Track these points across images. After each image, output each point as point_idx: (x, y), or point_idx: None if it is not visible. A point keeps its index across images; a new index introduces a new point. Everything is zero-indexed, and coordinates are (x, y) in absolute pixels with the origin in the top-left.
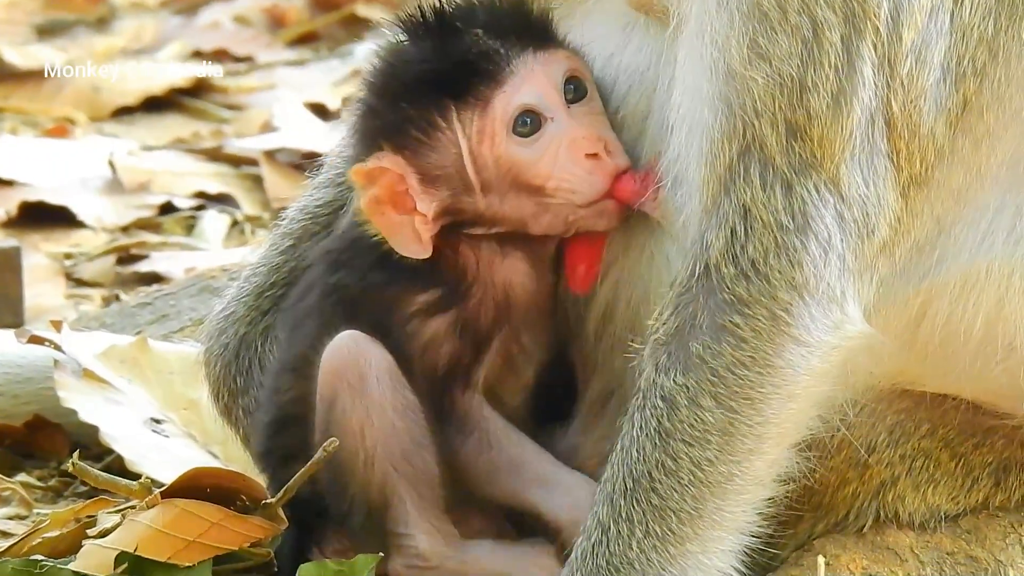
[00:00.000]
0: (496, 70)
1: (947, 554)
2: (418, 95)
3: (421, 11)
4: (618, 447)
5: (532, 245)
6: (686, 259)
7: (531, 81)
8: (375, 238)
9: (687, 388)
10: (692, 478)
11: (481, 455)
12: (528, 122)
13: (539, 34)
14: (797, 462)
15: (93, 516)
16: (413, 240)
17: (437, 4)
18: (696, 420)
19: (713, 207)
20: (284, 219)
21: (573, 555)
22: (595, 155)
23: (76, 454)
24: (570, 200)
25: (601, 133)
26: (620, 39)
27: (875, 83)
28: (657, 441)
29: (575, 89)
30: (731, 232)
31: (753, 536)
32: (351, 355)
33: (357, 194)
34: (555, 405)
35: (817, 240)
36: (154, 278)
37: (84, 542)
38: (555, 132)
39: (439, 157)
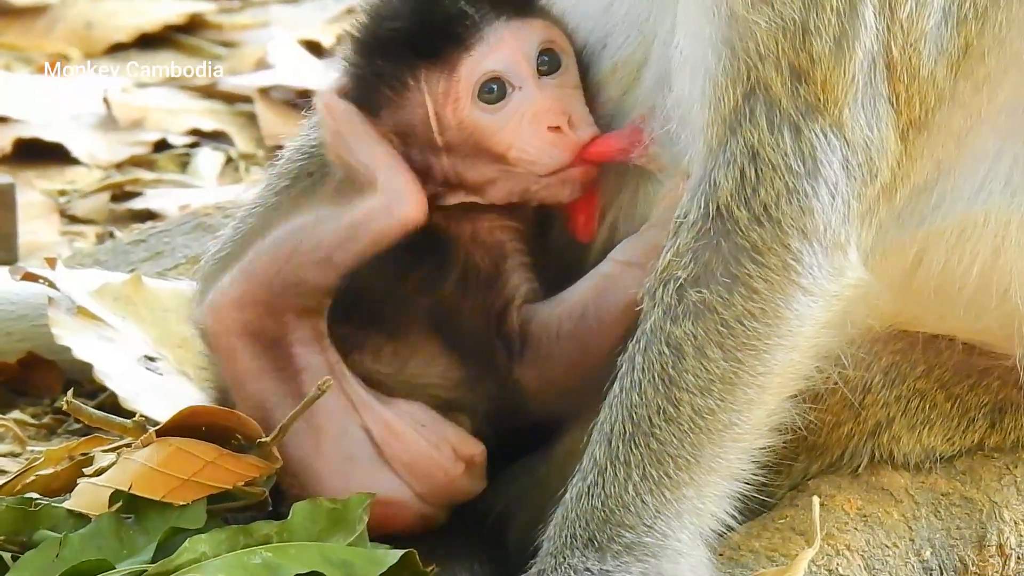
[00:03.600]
0: (466, 34)
1: (942, 495)
2: (391, 52)
3: None
4: (617, 388)
5: (505, 213)
6: (694, 196)
7: (500, 48)
8: None
9: (695, 337)
10: (692, 425)
11: (550, 338)
12: (494, 89)
13: (517, 1)
14: (795, 412)
15: (87, 454)
16: None
17: None
18: (701, 369)
19: (719, 148)
20: (280, 159)
21: (568, 495)
22: (557, 128)
23: (70, 392)
24: (531, 170)
25: (567, 107)
26: None
27: (876, 26)
28: (660, 387)
29: (548, 61)
30: (740, 173)
31: (748, 484)
32: None
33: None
34: None
35: (827, 185)
36: (148, 215)
37: (79, 480)
38: (520, 102)
39: (407, 116)
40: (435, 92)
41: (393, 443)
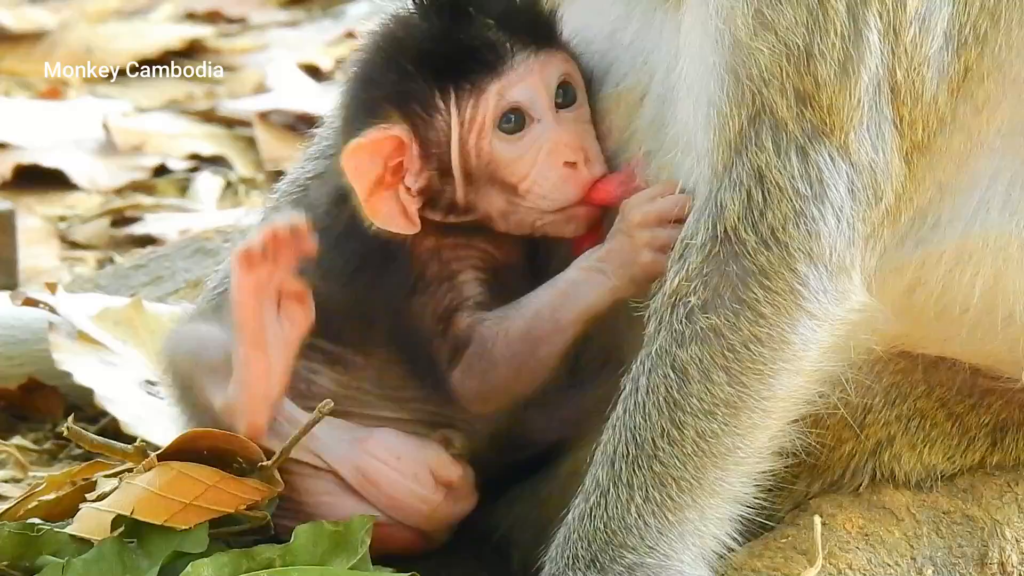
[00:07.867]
0: (497, 62)
1: (943, 513)
2: (425, 71)
3: None
4: (620, 410)
5: (496, 240)
6: (700, 218)
7: (526, 79)
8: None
9: (701, 360)
10: (696, 448)
11: (499, 340)
12: (513, 119)
13: (544, 33)
14: (796, 436)
15: (89, 479)
16: (400, 215)
17: None
18: (706, 393)
19: (724, 171)
20: (275, 193)
21: (570, 516)
22: (573, 164)
23: (71, 418)
24: (538, 205)
25: (583, 142)
26: (622, 15)
27: (881, 51)
28: (664, 410)
29: (565, 94)
30: (747, 196)
31: (750, 507)
32: None
33: (351, 164)
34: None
35: (833, 208)
36: (148, 240)
37: (81, 505)
38: (538, 135)
39: (435, 135)
40: (463, 117)
41: (368, 487)
